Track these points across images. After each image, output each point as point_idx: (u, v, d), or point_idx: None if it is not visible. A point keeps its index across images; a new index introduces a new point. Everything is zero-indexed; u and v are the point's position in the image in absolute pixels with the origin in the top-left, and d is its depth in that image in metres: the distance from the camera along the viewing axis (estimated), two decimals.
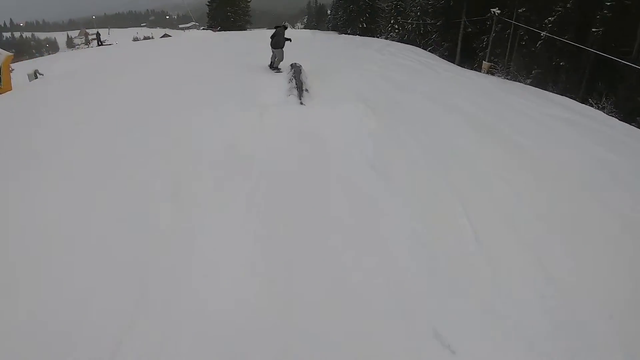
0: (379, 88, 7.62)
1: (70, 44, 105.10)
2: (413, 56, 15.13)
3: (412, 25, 28.58)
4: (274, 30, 8.73)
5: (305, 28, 79.32)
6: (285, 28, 9.10)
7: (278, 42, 8.55)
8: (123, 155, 4.34)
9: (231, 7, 33.86)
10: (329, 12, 62.01)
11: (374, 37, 31.17)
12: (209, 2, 35.01)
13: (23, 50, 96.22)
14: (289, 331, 2.43)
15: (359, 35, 30.60)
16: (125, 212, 3.42)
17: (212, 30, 30.68)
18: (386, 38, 30.31)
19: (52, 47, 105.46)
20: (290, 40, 8.78)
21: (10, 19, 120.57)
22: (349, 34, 31.68)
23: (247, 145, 4.60)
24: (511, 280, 2.88)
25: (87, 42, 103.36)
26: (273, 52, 8.67)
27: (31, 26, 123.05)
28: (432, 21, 26.16)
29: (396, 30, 29.70)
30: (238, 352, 2.30)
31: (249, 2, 38.62)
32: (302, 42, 12.83)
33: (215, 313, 2.52)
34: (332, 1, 56.30)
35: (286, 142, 4.72)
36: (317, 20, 68.60)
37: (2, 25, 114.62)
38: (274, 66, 8.74)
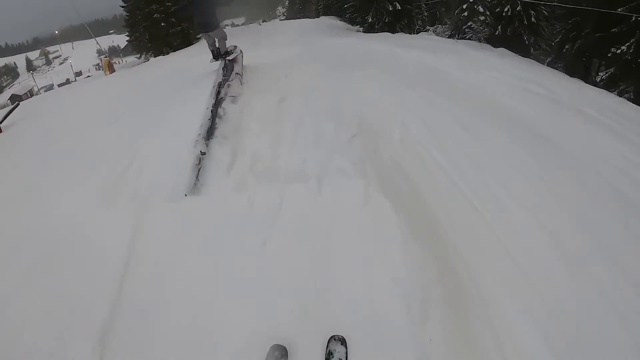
0: None
1: (30, 66, 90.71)
2: None
3: (507, 10, 11.84)
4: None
5: (287, 16, 60.31)
6: None
7: (204, 18, 5.27)
8: None
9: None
10: None
11: (410, 32, 14.71)
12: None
13: None
14: None
15: (387, 30, 14.18)
16: None
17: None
18: (451, 35, 13.75)
19: (12, 74, 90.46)
20: None
21: None
22: (369, 24, 15.04)
23: None
24: None
25: (49, 63, 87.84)
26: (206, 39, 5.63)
27: None
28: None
29: (482, 18, 12.63)
30: None
31: None
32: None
33: None
34: None
35: None
36: (302, 2, 49.98)
37: None
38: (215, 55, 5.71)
